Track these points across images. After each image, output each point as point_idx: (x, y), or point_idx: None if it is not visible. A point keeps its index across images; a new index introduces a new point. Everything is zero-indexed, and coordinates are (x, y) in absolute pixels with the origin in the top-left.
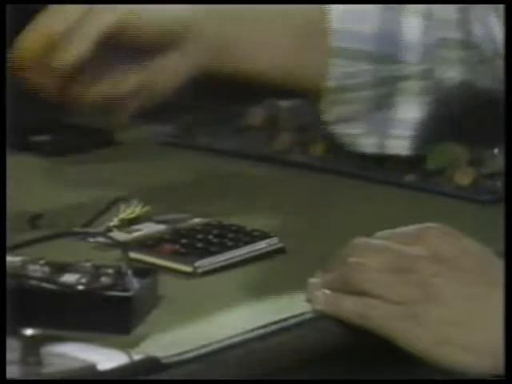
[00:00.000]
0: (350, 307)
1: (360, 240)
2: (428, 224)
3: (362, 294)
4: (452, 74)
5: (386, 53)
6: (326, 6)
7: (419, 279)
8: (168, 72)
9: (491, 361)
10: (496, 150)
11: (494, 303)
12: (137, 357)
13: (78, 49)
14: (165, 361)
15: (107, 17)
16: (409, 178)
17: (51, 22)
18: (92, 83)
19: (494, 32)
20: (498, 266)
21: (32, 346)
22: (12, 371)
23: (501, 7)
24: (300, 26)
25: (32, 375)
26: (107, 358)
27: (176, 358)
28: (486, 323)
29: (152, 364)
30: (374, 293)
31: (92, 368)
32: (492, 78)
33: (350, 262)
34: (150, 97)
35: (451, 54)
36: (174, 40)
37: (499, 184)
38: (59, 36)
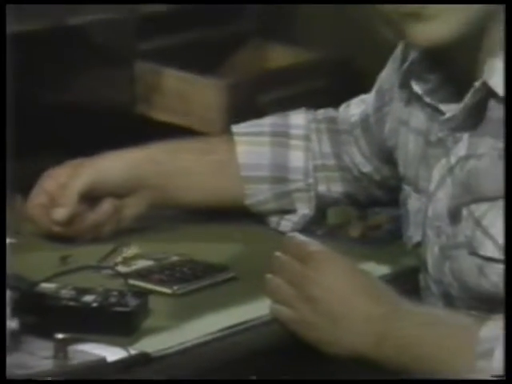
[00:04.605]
0: (273, 313)
1: (275, 256)
2: (321, 248)
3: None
4: (332, 187)
5: (279, 175)
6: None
7: (307, 296)
8: (129, 207)
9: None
10: (377, 209)
11: (359, 312)
12: (133, 352)
13: (67, 207)
14: (153, 355)
15: (83, 179)
16: (320, 231)
17: (48, 183)
18: (81, 221)
19: (356, 160)
20: (371, 286)
21: (61, 346)
22: (47, 364)
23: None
24: (219, 164)
25: (61, 366)
26: (113, 353)
27: (161, 353)
28: (348, 328)
29: (144, 357)
30: (279, 301)
31: (102, 360)
32: (361, 188)
33: (266, 277)
34: (119, 223)
35: (329, 174)
36: (131, 188)
37: (381, 233)
38: (54, 195)
